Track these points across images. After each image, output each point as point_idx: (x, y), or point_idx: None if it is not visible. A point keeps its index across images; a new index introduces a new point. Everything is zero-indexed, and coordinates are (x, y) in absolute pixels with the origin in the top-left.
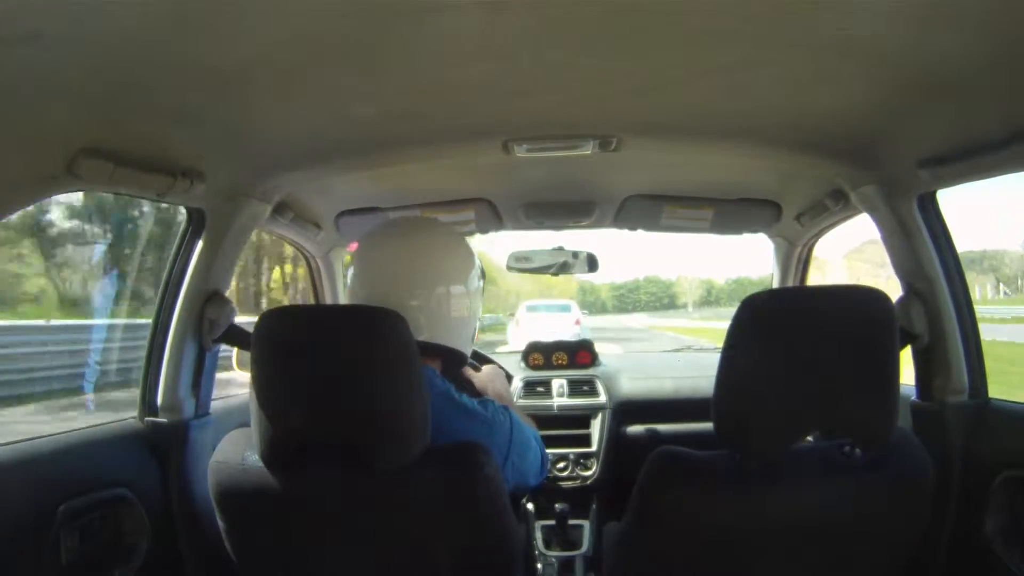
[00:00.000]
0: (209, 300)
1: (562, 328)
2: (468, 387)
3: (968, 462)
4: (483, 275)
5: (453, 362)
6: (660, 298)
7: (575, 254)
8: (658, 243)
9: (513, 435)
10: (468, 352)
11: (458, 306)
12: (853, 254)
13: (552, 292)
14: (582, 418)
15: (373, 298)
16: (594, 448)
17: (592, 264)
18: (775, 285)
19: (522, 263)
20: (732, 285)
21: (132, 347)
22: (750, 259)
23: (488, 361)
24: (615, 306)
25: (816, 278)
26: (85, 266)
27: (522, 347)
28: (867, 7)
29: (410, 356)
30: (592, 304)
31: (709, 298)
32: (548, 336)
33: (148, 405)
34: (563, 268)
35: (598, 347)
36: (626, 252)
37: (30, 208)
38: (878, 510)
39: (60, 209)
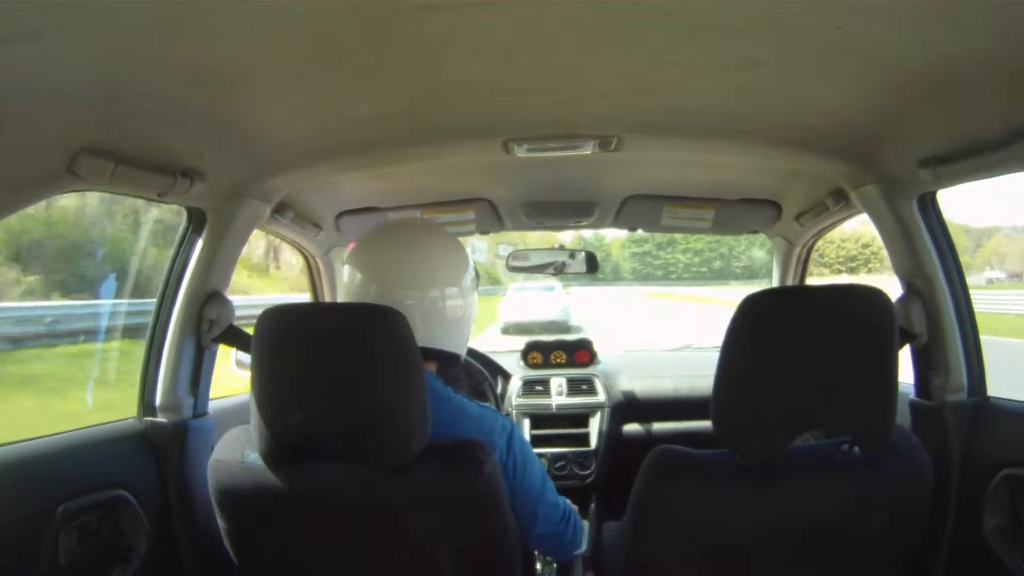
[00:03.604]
0: (208, 300)
1: (545, 304)
2: (468, 389)
3: (967, 460)
4: (477, 276)
5: (448, 364)
6: (708, 260)
7: (572, 253)
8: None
9: (513, 442)
10: (463, 351)
11: (453, 307)
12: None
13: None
14: (581, 417)
15: (368, 299)
16: (593, 447)
17: (591, 264)
18: (775, 284)
19: (521, 262)
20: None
21: None
22: None
23: (487, 360)
24: (636, 272)
25: None
26: None
27: (509, 320)
28: (866, 7)
29: (409, 353)
30: (648, 276)
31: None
32: (531, 312)
33: (147, 405)
34: (562, 268)
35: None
36: None
37: None
38: (877, 508)
39: None
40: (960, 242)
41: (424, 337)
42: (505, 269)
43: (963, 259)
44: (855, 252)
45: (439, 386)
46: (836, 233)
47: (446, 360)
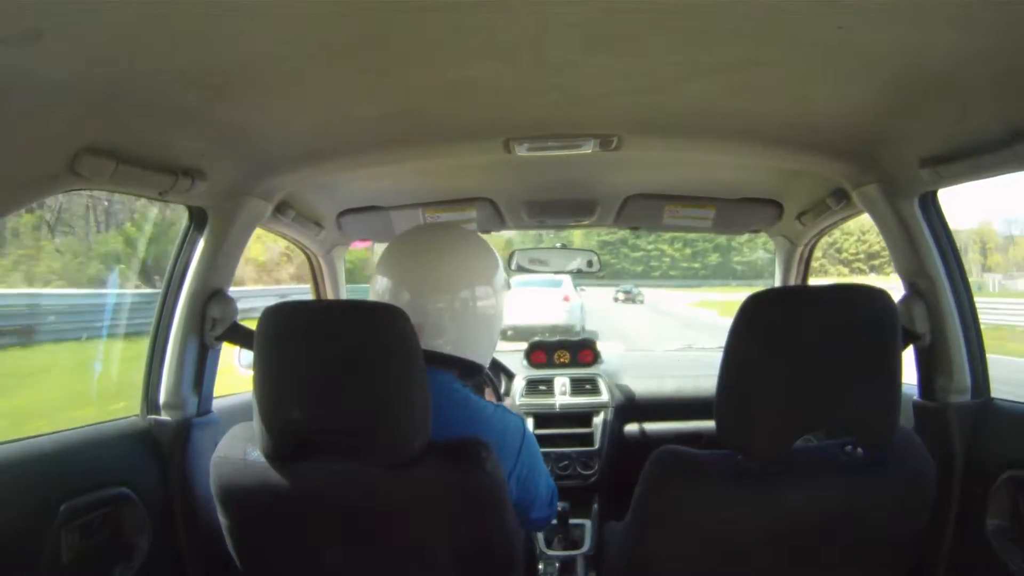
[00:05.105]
0: (211, 298)
1: (549, 304)
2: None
3: (970, 462)
4: (508, 280)
5: (470, 371)
6: (702, 252)
7: (590, 260)
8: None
9: (524, 446)
10: (488, 359)
11: (484, 307)
12: None
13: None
14: (584, 416)
15: (398, 301)
16: (596, 447)
17: (599, 265)
18: (777, 284)
19: (528, 262)
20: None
21: None
22: None
23: (493, 361)
24: (605, 265)
25: None
26: None
27: (506, 323)
28: (867, 7)
29: (410, 351)
30: (620, 273)
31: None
32: (535, 314)
33: (150, 403)
34: (578, 272)
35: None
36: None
37: None
38: (879, 510)
39: None
40: None
41: (452, 342)
42: None
43: None
44: (878, 247)
45: (458, 387)
46: (855, 225)
47: (467, 368)
